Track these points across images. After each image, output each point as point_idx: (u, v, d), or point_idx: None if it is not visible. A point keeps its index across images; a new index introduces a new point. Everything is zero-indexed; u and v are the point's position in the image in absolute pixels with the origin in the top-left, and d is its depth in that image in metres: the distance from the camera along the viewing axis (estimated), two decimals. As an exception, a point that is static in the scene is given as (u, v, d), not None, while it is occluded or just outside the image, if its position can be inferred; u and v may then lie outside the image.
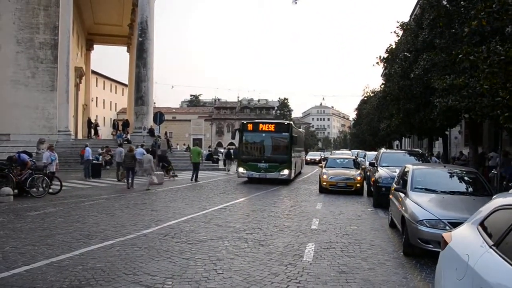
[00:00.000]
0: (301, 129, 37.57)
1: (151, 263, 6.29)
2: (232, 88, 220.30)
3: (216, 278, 5.64)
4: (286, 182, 19.93)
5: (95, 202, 13.02)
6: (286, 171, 19.48)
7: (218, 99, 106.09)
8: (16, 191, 13.55)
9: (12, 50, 26.70)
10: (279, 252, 7.17)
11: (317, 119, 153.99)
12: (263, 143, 20.56)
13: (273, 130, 20.25)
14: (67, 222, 9.52)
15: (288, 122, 20.84)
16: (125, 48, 45.89)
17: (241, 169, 20.14)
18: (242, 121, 21.86)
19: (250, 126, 20.65)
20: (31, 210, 11.20)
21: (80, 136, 37.16)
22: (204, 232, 8.72)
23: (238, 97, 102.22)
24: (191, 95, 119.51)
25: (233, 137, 21.34)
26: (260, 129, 20.37)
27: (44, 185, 14.25)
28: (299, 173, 26.79)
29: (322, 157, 49.31)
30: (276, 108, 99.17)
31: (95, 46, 47.92)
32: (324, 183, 16.95)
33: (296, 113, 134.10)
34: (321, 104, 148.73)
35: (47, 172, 14.98)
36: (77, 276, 5.56)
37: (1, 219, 9.67)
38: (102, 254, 6.69)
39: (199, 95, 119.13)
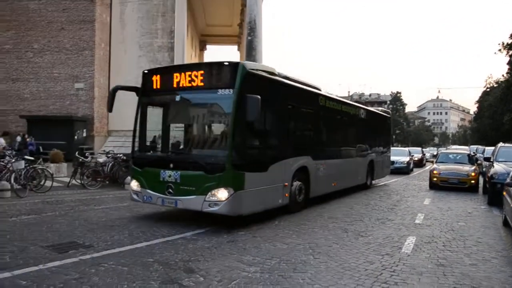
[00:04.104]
0: (374, 108, 20.47)
1: (253, 246, 6.80)
2: (343, 83, 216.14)
3: (312, 262, 5.95)
4: (230, 220, 8.30)
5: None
6: (222, 193, 7.70)
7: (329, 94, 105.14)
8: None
9: (135, 54, 29.50)
10: (377, 243, 7.23)
11: (434, 113, 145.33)
12: (178, 119, 9.74)
13: (201, 84, 8.25)
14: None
15: (236, 61, 8.23)
16: (235, 47, 48.06)
17: (133, 183, 9.04)
18: (144, 70, 9.43)
19: (155, 80, 8.92)
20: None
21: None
22: (305, 221, 9.08)
23: (349, 92, 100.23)
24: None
25: (109, 109, 9.33)
26: (173, 84, 8.53)
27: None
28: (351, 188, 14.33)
29: (430, 154, 43.13)
30: (388, 102, 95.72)
31: (207, 46, 50.74)
32: (435, 179, 16.27)
33: (411, 107, 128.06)
34: (437, 97, 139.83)
35: None
36: (188, 253, 6.25)
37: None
38: (209, 235, 7.37)
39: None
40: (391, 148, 20.89)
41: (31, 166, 12.64)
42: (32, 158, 13.52)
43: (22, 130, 23.82)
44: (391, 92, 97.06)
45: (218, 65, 8.31)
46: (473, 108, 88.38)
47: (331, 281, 5.18)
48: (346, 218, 9.55)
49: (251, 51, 31.60)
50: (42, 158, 15.03)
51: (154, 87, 8.93)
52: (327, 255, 6.35)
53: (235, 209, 7.86)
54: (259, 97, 7.60)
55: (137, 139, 9.36)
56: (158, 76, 8.93)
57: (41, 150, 20.15)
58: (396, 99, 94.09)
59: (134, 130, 9.30)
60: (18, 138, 21.21)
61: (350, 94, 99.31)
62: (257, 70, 8.68)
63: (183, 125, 9.73)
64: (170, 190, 8.16)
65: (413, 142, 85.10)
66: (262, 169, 8.65)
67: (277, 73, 9.67)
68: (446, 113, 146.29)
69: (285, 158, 9.53)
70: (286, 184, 9.55)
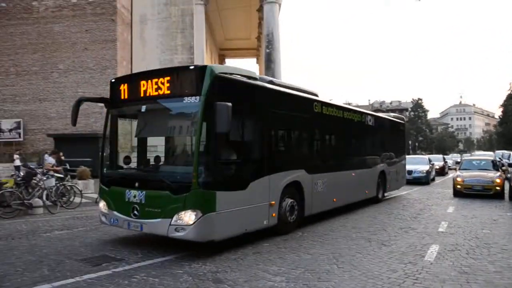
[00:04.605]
0: (379, 113, 18.88)
1: (278, 257, 6.98)
2: (362, 91, 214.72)
3: (336, 271, 6.10)
4: (200, 247, 7.28)
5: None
6: (189, 216, 6.71)
7: (349, 104, 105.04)
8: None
9: (156, 70, 30.28)
10: (400, 252, 7.32)
11: (457, 119, 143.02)
12: (145, 132, 8.62)
13: (167, 92, 7.31)
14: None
15: (203, 65, 7.42)
16: (253, 60, 48.78)
17: (101, 204, 8.17)
18: (112, 79, 8.59)
19: (123, 89, 8.02)
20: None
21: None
22: (329, 232, 9.20)
23: (369, 100, 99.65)
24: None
25: (73, 122, 8.07)
26: (140, 93, 7.65)
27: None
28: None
29: (453, 162, 41.65)
30: (409, 109, 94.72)
31: (226, 60, 51.48)
32: (459, 186, 16.16)
33: (433, 113, 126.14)
34: (460, 102, 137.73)
35: None
36: (215, 264, 6.46)
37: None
38: (235, 247, 7.56)
39: (330, 100, 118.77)
40: (409, 156, 19.90)
41: (60, 183, 13.12)
42: (61, 176, 14.02)
43: (49, 148, 24.54)
44: (412, 99, 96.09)
45: (184, 70, 7.64)
46: (498, 112, 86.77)
47: (355, 289, 5.33)
48: (369, 228, 9.65)
49: (269, 63, 32.03)
50: (70, 175, 15.53)
51: (122, 97, 8.01)
52: (350, 264, 6.49)
53: (204, 234, 6.83)
54: (229, 104, 6.55)
55: (105, 155, 8.54)
56: (126, 85, 8.02)
57: (68, 167, 20.71)
58: (417, 105, 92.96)
59: (103, 145, 8.56)
60: (46, 156, 21.81)
61: (371, 102, 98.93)
62: (230, 74, 7.68)
63: (150, 138, 8.85)
64: (136, 212, 7.24)
65: (436, 149, 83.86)
66: (239, 187, 7.53)
67: (258, 77, 8.73)
68: (469, 118, 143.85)
69: (270, 173, 8.29)
70: (273, 202, 8.35)
